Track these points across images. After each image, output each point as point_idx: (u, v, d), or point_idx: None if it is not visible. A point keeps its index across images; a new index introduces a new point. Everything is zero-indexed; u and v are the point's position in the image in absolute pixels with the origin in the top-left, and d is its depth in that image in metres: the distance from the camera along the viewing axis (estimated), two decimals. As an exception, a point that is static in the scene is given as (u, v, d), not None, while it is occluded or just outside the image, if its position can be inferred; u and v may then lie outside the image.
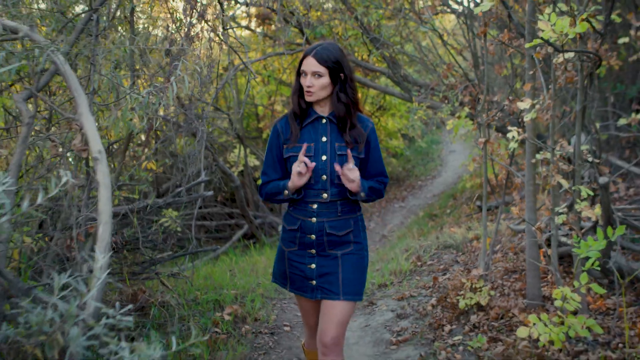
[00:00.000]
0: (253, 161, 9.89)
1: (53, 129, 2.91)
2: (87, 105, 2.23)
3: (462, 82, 7.90)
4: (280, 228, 9.07)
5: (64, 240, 2.51)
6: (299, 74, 2.89)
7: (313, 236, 2.92)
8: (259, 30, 9.90)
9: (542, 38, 3.08)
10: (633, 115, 5.67)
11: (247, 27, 9.55)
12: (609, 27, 4.22)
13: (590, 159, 4.07)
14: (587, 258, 3.30)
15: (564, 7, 3.84)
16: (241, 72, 9.05)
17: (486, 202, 4.82)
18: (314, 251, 2.95)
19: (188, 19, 3.31)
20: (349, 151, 2.79)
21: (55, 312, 1.62)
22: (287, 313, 5.58)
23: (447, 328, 4.52)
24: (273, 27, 9.48)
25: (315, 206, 2.91)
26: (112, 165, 5.12)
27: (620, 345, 3.58)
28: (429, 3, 7.96)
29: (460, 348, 4.14)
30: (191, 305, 5.24)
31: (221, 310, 5.25)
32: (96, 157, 2.12)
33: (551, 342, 3.67)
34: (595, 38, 4.09)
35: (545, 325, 3.34)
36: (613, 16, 4.06)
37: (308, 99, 2.84)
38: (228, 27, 3.84)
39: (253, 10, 9.28)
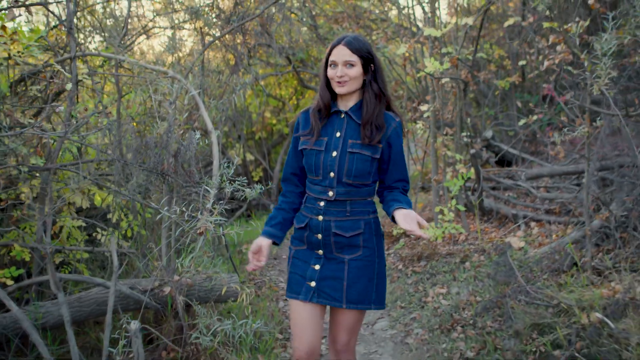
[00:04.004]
0: (249, 156, 12.59)
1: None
2: (204, 108, 4.92)
3: (407, 94, 10.66)
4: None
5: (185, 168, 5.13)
6: (326, 66, 2.75)
7: (320, 235, 2.79)
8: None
9: (424, 71, 5.82)
10: (530, 117, 8.42)
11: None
12: (476, 60, 6.98)
13: (466, 140, 6.81)
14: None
15: (447, 49, 6.63)
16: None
17: (408, 173, 7.56)
18: (321, 252, 2.81)
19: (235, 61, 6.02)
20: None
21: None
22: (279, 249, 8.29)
23: (385, 247, 7.26)
24: (261, 51, 12.17)
25: (322, 204, 2.78)
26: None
27: (477, 242, 6.33)
28: (381, 34, 10.72)
29: (392, 254, 6.88)
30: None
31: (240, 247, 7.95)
32: (210, 130, 4.79)
33: (438, 240, 6.44)
34: (467, 67, 6.86)
35: (433, 228, 6.09)
36: (480, 54, 6.84)
37: (340, 90, 2.71)
38: (249, 64, 6.54)
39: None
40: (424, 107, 6.48)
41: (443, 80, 6.31)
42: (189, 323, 3.97)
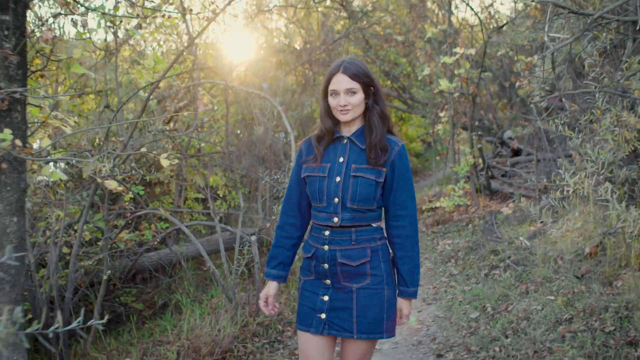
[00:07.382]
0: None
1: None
2: (285, 116, 7.47)
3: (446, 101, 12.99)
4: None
5: (275, 155, 7.65)
6: (326, 94, 2.67)
7: (326, 265, 2.70)
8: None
9: (439, 88, 8.18)
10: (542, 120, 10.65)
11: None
12: (482, 79, 9.31)
13: (474, 139, 9.12)
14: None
15: (458, 71, 9.00)
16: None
17: (435, 160, 9.97)
18: (329, 282, 2.73)
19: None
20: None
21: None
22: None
23: (417, 219, 9.69)
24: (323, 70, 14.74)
25: (327, 232, 2.69)
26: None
27: (480, 212, 8.65)
28: (422, 52, 13.07)
29: (419, 222, 9.28)
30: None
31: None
32: (290, 131, 7.33)
33: (451, 210, 8.82)
34: (474, 83, 9.17)
35: (446, 200, 8.47)
36: (484, 74, 9.17)
37: (344, 118, 2.63)
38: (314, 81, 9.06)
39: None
40: (441, 114, 8.86)
41: (455, 94, 8.68)
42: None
